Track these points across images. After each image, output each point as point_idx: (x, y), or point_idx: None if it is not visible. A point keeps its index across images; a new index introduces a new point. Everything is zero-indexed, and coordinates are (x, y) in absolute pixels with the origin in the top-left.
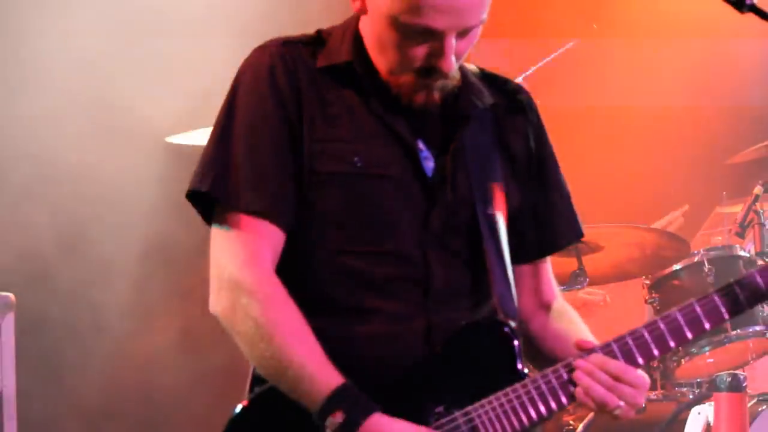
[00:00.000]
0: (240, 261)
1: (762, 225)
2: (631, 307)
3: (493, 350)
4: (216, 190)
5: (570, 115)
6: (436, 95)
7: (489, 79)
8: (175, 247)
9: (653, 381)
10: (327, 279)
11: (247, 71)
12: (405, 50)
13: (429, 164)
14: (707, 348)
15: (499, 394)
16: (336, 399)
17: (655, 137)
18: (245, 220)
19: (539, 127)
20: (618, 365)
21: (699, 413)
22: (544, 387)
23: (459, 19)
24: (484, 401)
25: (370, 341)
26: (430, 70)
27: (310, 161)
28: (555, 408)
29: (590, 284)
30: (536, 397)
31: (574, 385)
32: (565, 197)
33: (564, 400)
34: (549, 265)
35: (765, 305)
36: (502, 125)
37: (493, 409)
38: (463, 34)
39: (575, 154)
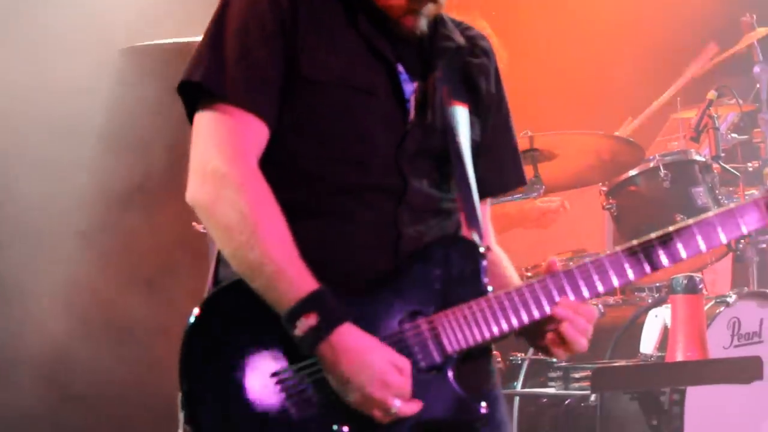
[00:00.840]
0: (228, 154)
1: (716, 129)
2: (589, 214)
3: (462, 265)
4: (208, 81)
5: (528, 18)
6: (423, 21)
7: (455, 23)
8: None
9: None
10: (302, 182)
11: None
12: None
13: (408, 87)
14: None
15: (463, 306)
16: (312, 301)
17: (614, 46)
18: (236, 113)
19: (497, 73)
20: (591, 310)
21: (656, 316)
22: (514, 300)
23: None
24: (448, 311)
25: (342, 245)
26: None
27: (299, 66)
28: (519, 323)
29: (546, 192)
30: (504, 311)
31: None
32: (515, 144)
33: (528, 317)
34: (489, 209)
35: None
36: (468, 64)
37: (457, 319)
38: None
39: (534, 60)
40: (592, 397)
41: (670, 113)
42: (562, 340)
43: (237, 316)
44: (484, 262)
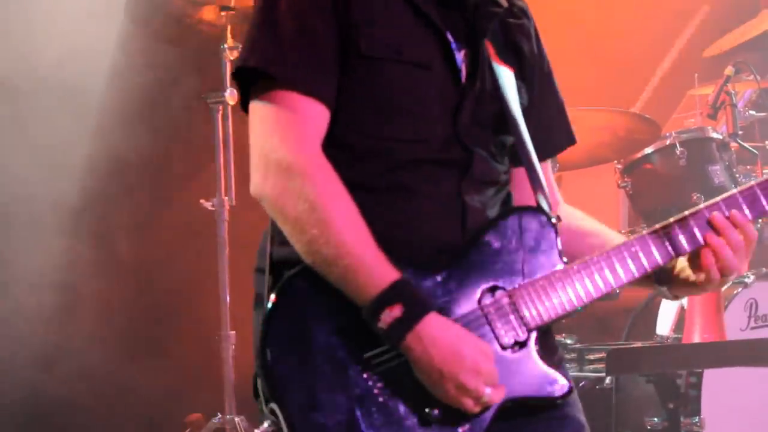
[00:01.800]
0: (292, 143)
1: (734, 106)
2: (604, 192)
3: (536, 236)
4: (266, 66)
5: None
6: None
7: None
8: None
9: None
10: (360, 160)
11: None
12: None
13: (458, 56)
14: None
15: (541, 277)
16: (395, 292)
17: (629, 23)
18: (297, 98)
19: (537, 33)
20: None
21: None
22: (602, 265)
23: None
24: (527, 283)
25: (407, 219)
26: None
27: (354, 42)
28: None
29: (561, 169)
30: (592, 276)
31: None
32: (562, 102)
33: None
34: (550, 170)
35: (738, 187)
36: (510, 26)
37: (536, 291)
38: None
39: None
40: (608, 380)
41: (687, 89)
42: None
43: (316, 301)
44: (556, 232)
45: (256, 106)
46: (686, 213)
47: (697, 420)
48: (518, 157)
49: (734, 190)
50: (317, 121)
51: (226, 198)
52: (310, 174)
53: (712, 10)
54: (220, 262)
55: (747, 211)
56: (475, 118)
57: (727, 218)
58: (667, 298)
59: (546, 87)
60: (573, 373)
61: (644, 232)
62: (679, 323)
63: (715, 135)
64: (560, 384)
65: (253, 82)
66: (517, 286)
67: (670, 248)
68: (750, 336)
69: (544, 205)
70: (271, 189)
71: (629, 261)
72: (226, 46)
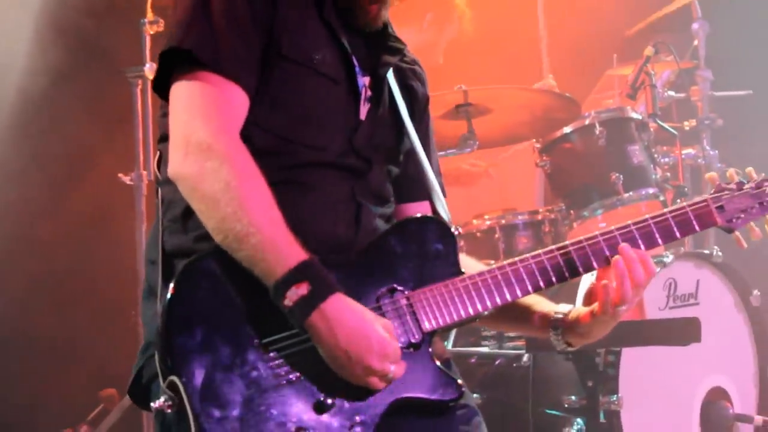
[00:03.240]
0: (214, 126)
1: (653, 86)
2: (521, 171)
3: (437, 244)
4: (199, 49)
5: None
6: (385, 13)
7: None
8: None
9: (545, 245)
10: (261, 154)
11: None
12: None
13: (360, 80)
14: (600, 211)
15: (440, 284)
16: (303, 271)
17: (550, 3)
18: (222, 84)
19: (426, 86)
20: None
21: (592, 275)
22: (498, 279)
23: None
24: (425, 288)
25: (305, 215)
26: None
27: (278, 42)
28: (501, 302)
29: (480, 147)
30: (481, 291)
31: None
32: (437, 156)
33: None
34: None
35: (657, 167)
36: (405, 70)
37: (434, 297)
38: None
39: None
40: (525, 357)
41: (605, 69)
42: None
43: (215, 286)
44: (457, 244)
45: (180, 87)
46: (582, 238)
47: (615, 398)
48: (408, 191)
49: (629, 223)
50: (239, 107)
51: (145, 172)
52: (229, 156)
53: None
54: (137, 236)
55: (642, 246)
56: (372, 140)
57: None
58: (559, 346)
59: (428, 134)
60: (492, 351)
61: (540, 252)
62: None
63: (634, 115)
64: (451, 388)
65: (179, 63)
66: (415, 290)
67: (565, 270)
68: (668, 315)
69: (445, 217)
70: (189, 169)
71: (525, 277)
72: (145, 20)
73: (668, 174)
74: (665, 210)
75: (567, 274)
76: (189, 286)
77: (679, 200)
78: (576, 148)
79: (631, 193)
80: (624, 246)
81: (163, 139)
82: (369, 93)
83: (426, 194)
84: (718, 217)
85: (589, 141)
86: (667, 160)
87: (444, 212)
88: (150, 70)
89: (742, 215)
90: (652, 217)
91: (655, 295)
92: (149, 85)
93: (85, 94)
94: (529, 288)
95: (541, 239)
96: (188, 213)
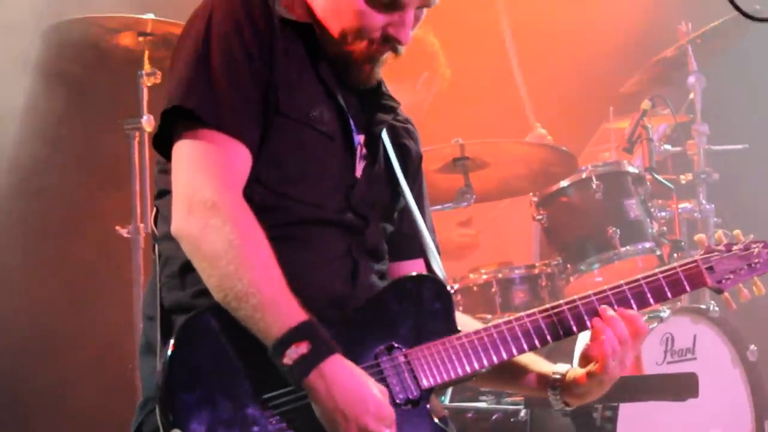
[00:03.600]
0: (218, 184)
1: (650, 140)
2: (517, 224)
3: (434, 303)
4: (201, 109)
5: (460, 27)
6: (378, 71)
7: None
8: None
9: (542, 300)
10: (261, 212)
11: (221, 2)
12: (365, 19)
13: (356, 138)
14: (596, 265)
15: (437, 342)
16: (303, 331)
17: (548, 55)
18: (225, 142)
19: (419, 144)
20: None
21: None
22: (494, 337)
23: None
24: (423, 346)
25: (303, 271)
26: (387, 39)
27: (275, 99)
28: (497, 360)
29: (477, 201)
30: (485, 346)
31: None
32: (430, 213)
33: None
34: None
35: (654, 221)
36: (398, 128)
37: (432, 354)
38: (418, 12)
39: (466, 67)
40: (522, 412)
41: (602, 123)
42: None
43: (215, 343)
44: (453, 302)
45: (183, 145)
46: (576, 298)
47: None
48: (403, 248)
49: (622, 283)
50: (242, 164)
51: (142, 225)
52: (232, 214)
53: (627, 42)
54: (135, 288)
55: (634, 305)
56: (368, 197)
57: (615, 311)
58: (557, 405)
59: (422, 193)
60: (489, 406)
61: (536, 311)
62: None
63: (630, 169)
64: None
65: (181, 120)
66: (413, 347)
67: (559, 328)
68: (666, 370)
69: (441, 275)
70: (192, 227)
71: (520, 335)
72: (143, 72)
73: (665, 228)
74: (656, 270)
75: (561, 333)
76: (189, 342)
77: (675, 254)
78: (573, 201)
79: (627, 247)
80: (603, 308)
81: (161, 195)
82: (364, 151)
83: (421, 252)
84: (708, 278)
85: (586, 195)
86: (663, 214)
87: (439, 270)
88: (147, 122)
89: (731, 276)
90: (644, 277)
91: (652, 350)
92: (146, 137)
93: (82, 146)
94: (525, 347)
95: (537, 293)
96: (187, 269)
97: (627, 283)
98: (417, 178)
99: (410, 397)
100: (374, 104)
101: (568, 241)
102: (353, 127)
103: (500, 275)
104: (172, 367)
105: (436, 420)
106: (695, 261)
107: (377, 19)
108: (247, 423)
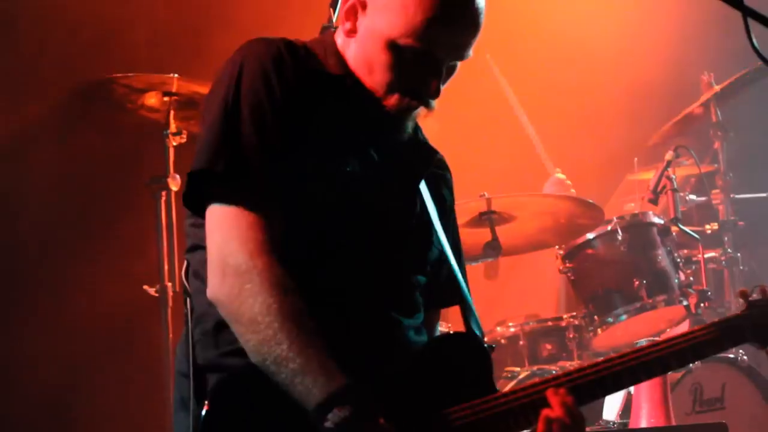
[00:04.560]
0: (251, 247)
1: (675, 190)
2: (543, 277)
3: (472, 361)
4: (231, 172)
5: (487, 85)
6: (412, 124)
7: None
8: None
9: (570, 352)
10: (312, 269)
11: (251, 56)
12: (396, 72)
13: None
14: (624, 317)
15: (477, 401)
16: (345, 394)
17: (573, 109)
18: (258, 204)
19: (453, 192)
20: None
21: None
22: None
23: (456, 51)
24: (465, 405)
25: (344, 329)
26: (418, 93)
27: (310, 155)
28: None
29: (504, 254)
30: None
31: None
32: (463, 259)
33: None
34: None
35: (680, 271)
36: (436, 176)
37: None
38: (451, 66)
39: (492, 121)
40: None
41: (626, 174)
42: None
43: (249, 404)
44: (491, 359)
45: (215, 209)
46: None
47: None
48: (439, 297)
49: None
50: (274, 226)
51: (170, 284)
52: (267, 278)
53: (652, 94)
54: (164, 347)
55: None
56: (413, 247)
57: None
58: None
59: (456, 237)
60: None
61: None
62: (626, 408)
63: (656, 220)
64: None
65: (212, 180)
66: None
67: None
68: (695, 421)
69: (477, 331)
70: (227, 291)
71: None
72: (168, 131)
73: (692, 278)
74: (696, 328)
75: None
76: (223, 403)
77: (702, 304)
78: (599, 253)
79: (654, 298)
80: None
81: (192, 249)
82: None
83: (457, 300)
84: (748, 335)
85: (612, 246)
86: (690, 264)
87: (476, 325)
88: (173, 181)
89: None
90: (684, 336)
91: (681, 400)
92: (173, 196)
93: (110, 207)
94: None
95: (565, 345)
96: (220, 327)
97: (664, 342)
98: (452, 227)
99: None
100: (412, 154)
101: (594, 293)
102: (392, 176)
103: (527, 328)
104: (206, 427)
105: None
106: (737, 316)
107: (408, 74)
108: None
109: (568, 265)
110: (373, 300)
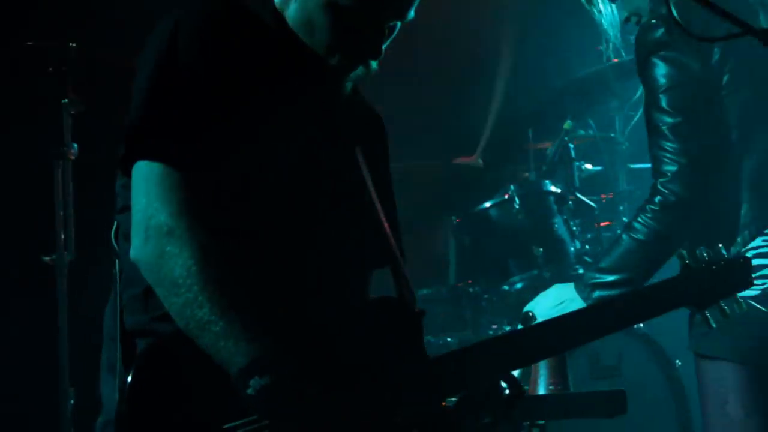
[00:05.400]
0: (175, 208)
1: (573, 160)
2: (441, 246)
3: (404, 326)
4: (159, 130)
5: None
6: (350, 85)
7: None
8: None
9: (464, 320)
10: (239, 232)
11: (187, 14)
12: (337, 33)
13: (332, 148)
14: (520, 285)
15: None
16: (265, 360)
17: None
18: (184, 164)
19: (387, 143)
20: None
21: None
22: None
23: (398, 12)
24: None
25: (282, 288)
26: (359, 54)
27: (247, 116)
28: None
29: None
30: None
31: None
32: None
33: None
34: None
35: (577, 240)
36: (374, 136)
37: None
38: (392, 27)
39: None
40: None
41: (523, 143)
42: None
43: (177, 370)
44: (422, 324)
45: (141, 168)
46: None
47: None
48: (371, 259)
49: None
50: (202, 189)
51: (66, 253)
52: (189, 240)
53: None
54: (60, 317)
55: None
56: (346, 210)
57: None
58: None
59: (391, 195)
60: None
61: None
62: (523, 375)
63: (553, 188)
64: None
65: (141, 140)
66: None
67: None
68: (592, 387)
69: (409, 298)
70: (150, 253)
71: None
72: (66, 100)
73: (587, 246)
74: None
75: None
76: (150, 369)
77: None
78: (495, 222)
79: (551, 266)
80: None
81: (122, 210)
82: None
83: (389, 263)
84: (687, 297)
85: (509, 215)
86: (586, 233)
87: (408, 290)
88: (70, 151)
89: (712, 294)
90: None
91: (578, 367)
92: (70, 166)
93: (7, 176)
94: None
95: (461, 314)
96: (149, 292)
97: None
98: (388, 190)
99: None
100: (351, 114)
101: (490, 261)
102: (330, 136)
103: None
104: (132, 394)
105: None
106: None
107: (349, 36)
108: None
109: (463, 233)
110: (311, 259)
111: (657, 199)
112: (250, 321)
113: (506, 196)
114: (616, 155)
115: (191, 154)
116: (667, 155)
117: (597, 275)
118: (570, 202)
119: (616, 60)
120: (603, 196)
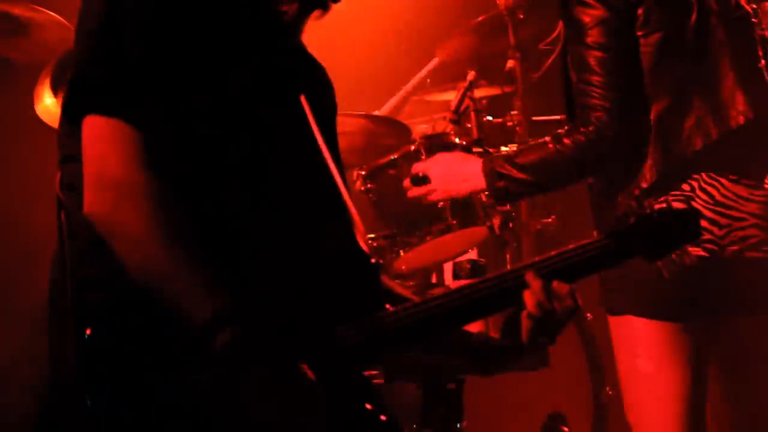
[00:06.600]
0: (131, 161)
1: (478, 111)
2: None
3: (362, 278)
4: (113, 82)
5: None
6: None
7: None
8: None
9: None
10: (204, 179)
11: None
12: None
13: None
14: (426, 237)
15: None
16: (225, 318)
17: (373, 25)
18: (139, 117)
19: (334, 97)
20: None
21: None
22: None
23: None
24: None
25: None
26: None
27: (198, 65)
28: None
29: None
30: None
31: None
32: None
33: None
34: None
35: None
36: (320, 85)
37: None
38: None
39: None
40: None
41: (424, 95)
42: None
43: (133, 324)
44: (379, 273)
45: (94, 120)
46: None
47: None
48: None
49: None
50: (158, 141)
51: None
52: (146, 194)
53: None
54: None
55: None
56: (296, 161)
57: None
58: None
59: (339, 152)
60: None
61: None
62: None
63: (458, 141)
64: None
65: (92, 92)
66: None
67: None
68: None
69: (365, 247)
70: (103, 207)
71: None
72: None
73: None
74: (586, 241)
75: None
76: (107, 325)
77: (510, 224)
78: (402, 174)
79: (458, 219)
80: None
81: (66, 160)
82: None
83: (344, 214)
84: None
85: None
86: None
87: (363, 241)
88: None
89: (663, 246)
90: (575, 249)
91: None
92: None
93: None
94: None
95: None
96: (99, 244)
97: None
98: (334, 138)
99: None
100: (299, 63)
101: (397, 214)
102: (281, 88)
103: None
104: (90, 351)
105: None
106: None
107: None
108: None
109: (369, 185)
110: (267, 214)
111: (592, 128)
112: (212, 274)
113: (413, 148)
114: (516, 107)
115: (147, 107)
116: (597, 89)
117: (508, 167)
118: (476, 155)
119: None
120: (503, 149)
